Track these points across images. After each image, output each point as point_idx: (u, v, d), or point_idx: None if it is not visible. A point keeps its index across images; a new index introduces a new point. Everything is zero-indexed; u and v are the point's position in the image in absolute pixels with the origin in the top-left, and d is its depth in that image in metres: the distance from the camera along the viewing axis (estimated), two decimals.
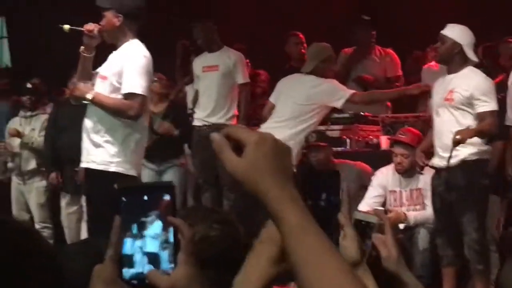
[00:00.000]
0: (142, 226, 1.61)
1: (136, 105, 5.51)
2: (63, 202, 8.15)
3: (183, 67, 8.90)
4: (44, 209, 8.43)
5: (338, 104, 7.11)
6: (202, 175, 8.05)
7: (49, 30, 6.05)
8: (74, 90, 5.68)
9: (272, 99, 7.41)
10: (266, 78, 8.90)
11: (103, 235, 1.72)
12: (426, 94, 7.08)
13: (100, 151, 5.58)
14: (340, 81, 7.57)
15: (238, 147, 1.47)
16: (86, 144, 5.67)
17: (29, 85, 8.53)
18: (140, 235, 1.61)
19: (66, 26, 5.64)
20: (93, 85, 5.68)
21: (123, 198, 1.63)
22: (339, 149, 7.74)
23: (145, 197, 1.62)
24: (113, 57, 5.68)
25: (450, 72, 6.25)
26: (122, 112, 5.54)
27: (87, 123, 5.66)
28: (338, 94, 7.11)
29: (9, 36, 12.64)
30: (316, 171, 1.90)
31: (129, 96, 5.52)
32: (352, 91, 7.23)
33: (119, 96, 5.56)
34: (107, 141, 5.56)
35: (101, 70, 5.69)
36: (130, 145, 5.61)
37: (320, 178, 1.94)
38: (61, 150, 7.98)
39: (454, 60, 6.20)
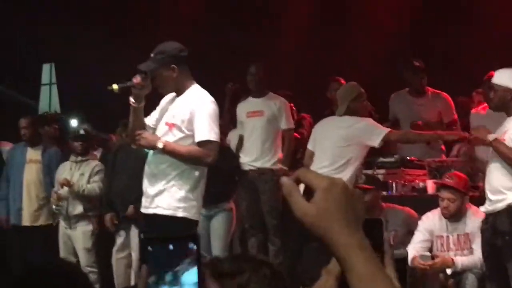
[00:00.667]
0: (175, 275, 1.63)
1: (212, 152, 5.57)
2: (115, 247, 8.21)
3: (231, 110, 8.94)
4: (90, 254, 8.49)
5: (376, 142, 7.06)
6: (248, 220, 8.05)
7: (98, 75, 6.09)
8: (140, 140, 5.65)
9: (310, 146, 7.41)
10: (310, 123, 8.90)
11: None
12: (465, 140, 7.01)
13: (166, 196, 5.57)
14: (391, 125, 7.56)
15: (308, 192, 1.44)
16: (149, 190, 5.66)
17: (82, 131, 8.65)
18: (175, 283, 1.63)
19: (115, 86, 5.57)
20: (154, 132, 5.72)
21: (149, 248, 1.65)
22: (385, 193, 7.70)
23: (171, 246, 1.65)
24: (178, 104, 5.68)
25: (509, 115, 6.13)
26: (199, 160, 5.58)
27: (152, 169, 5.67)
28: (375, 132, 7.08)
29: (58, 82, 12.87)
30: None
31: (204, 143, 5.56)
32: (388, 129, 7.19)
33: (188, 143, 5.59)
34: (174, 186, 5.56)
35: (167, 117, 5.68)
36: (196, 190, 5.63)
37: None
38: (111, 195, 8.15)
39: (509, 106, 6.08)
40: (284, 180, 1.46)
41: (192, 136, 5.59)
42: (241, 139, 8.20)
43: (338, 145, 7.07)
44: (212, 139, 5.57)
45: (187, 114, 5.58)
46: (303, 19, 11.09)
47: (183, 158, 5.57)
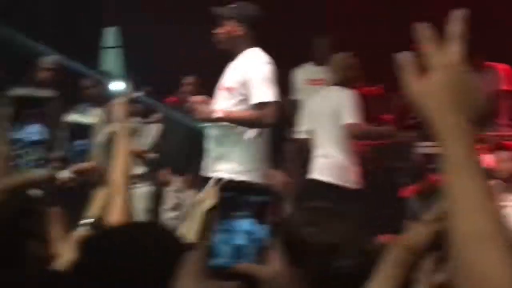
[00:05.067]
0: (234, 221, 1.69)
1: (271, 113, 5.47)
2: (165, 205, 8.12)
3: None
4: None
5: None
6: None
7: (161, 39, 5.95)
8: (196, 114, 5.55)
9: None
10: None
11: None
12: None
13: (229, 160, 5.43)
14: None
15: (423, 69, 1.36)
16: (211, 153, 5.58)
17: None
18: (230, 229, 1.69)
19: None
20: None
21: (225, 194, 1.67)
22: None
23: (251, 199, 1.68)
24: (233, 68, 5.65)
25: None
26: (259, 123, 5.49)
27: (213, 132, 5.62)
28: None
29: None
30: None
31: (261, 105, 5.49)
32: None
33: (243, 106, 5.53)
34: (237, 150, 5.48)
35: (225, 81, 5.65)
36: (259, 153, 5.56)
37: None
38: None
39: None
40: (399, 55, 1.37)
41: (248, 99, 5.52)
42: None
43: None
44: (270, 100, 5.48)
45: (243, 76, 5.53)
46: None
47: (244, 124, 5.51)
